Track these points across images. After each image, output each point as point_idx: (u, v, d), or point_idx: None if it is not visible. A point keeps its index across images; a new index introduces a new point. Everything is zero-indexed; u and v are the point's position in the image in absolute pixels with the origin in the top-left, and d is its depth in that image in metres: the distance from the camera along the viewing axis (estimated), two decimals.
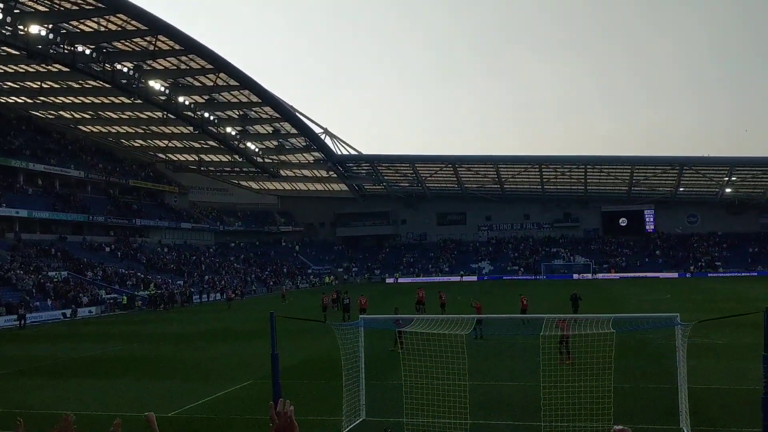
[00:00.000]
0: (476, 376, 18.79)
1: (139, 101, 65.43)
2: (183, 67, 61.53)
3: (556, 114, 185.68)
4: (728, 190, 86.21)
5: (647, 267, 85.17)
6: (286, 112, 73.24)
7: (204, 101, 69.19)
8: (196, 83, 65.98)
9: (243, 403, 17.92)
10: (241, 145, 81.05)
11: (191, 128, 73.54)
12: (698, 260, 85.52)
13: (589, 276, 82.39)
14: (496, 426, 14.95)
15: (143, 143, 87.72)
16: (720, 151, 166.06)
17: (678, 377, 14.53)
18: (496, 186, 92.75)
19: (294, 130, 77.83)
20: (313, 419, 16.16)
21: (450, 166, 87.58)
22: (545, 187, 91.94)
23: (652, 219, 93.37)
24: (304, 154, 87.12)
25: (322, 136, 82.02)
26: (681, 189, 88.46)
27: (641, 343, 24.95)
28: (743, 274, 77.96)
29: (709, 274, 79.79)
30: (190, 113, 69.59)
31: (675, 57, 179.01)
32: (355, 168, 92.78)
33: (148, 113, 73.33)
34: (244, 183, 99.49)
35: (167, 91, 63.24)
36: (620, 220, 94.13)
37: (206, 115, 70.87)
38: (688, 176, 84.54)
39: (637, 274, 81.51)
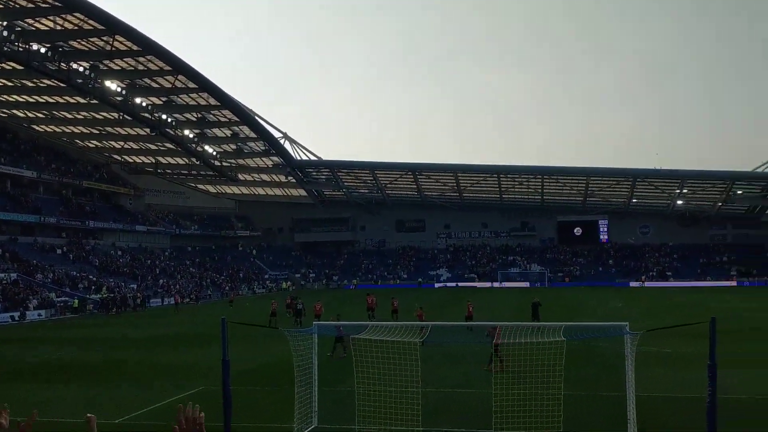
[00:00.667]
0: (430, 382, 18.90)
1: (95, 101, 64.27)
2: (140, 68, 60.66)
3: (517, 124, 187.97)
4: (680, 202, 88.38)
5: (601, 276, 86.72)
6: (245, 116, 72.74)
7: (161, 103, 68.24)
8: (154, 85, 65.09)
9: None
10: (199, 148, 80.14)
11: (148, 130, 72.46)
12: (650, 270, 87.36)
13: (546, 284, 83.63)
14: None
15: (98, 144, 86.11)
16: (669, 164, 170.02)
17: (626, 385, 14.81)
18: (455, 194, 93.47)
19: (253, 134, 77.34)
20: (265, 426, 16.04)
21: (410, 173, 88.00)
22: (503, 196, 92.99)
23: (605, 229, 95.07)
24: (263, 159, 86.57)
25: (282, 141, 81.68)
26: (634, 200, 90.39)
27: (593, 351, 25.35)
28: (693, 285, 79.88)
29: (660, 284, 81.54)
30: (147, 115, 68.54)
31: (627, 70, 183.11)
32: (314, 173, 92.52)
33: (104, 114, 72.05)
34: (201, 186, 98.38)
35: (124, 92, 62.19)
36: (575, 230, 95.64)
37: (164, 117, 69.90)
38: (641, 188, 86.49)
39: (590, 283, 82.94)
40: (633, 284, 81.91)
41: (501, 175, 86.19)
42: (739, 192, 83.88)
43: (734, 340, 28.18)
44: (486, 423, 14.75)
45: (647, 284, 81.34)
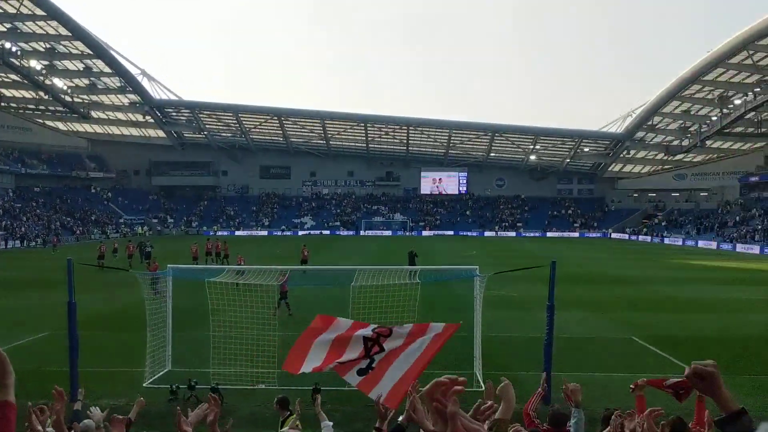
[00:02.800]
0: (290, 327, 19.06)
1: None
2: None
3: (384, 76, 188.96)
4: (533, 157, 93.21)
5: (459, 226, 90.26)
6: (99, 49, 68.28)
7: (5, 30, 62.63)
8: None
9: (38, 354, 16.85)
10: (48, 81, 74.35)
11: None
12: (504, 221, 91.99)
13: (406, 233, 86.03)
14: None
15: None
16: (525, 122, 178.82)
17: (474, 325, 15.67)
18: (321, 141, 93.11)
19: (108, 69, 72.81)
20: (116, 371, 15.62)
21: (275, 118, 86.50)
22: (370, 145, 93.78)
23: (465, 181, 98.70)
24: (119, 96, 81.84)
25: (139, 78, 77.65)
26: (492, 154, 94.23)
27: (448, 295, 26.52)
28: (540, 235, 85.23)
29: (512, 234, 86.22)
30: None
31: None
32: (174, 114, 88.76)
33: None
34: (50, 123, 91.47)
35: None
36: (436, 181, 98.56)
37: (7, 45, 64.15)
38: (499, 143, 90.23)
39: (449, 232, 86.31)
40: (487, 234, 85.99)
41: (368, 124, 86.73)
42: (586, 149, 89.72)
43: (572, 285, 30.52)
44: None
45: (500, 234, 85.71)
